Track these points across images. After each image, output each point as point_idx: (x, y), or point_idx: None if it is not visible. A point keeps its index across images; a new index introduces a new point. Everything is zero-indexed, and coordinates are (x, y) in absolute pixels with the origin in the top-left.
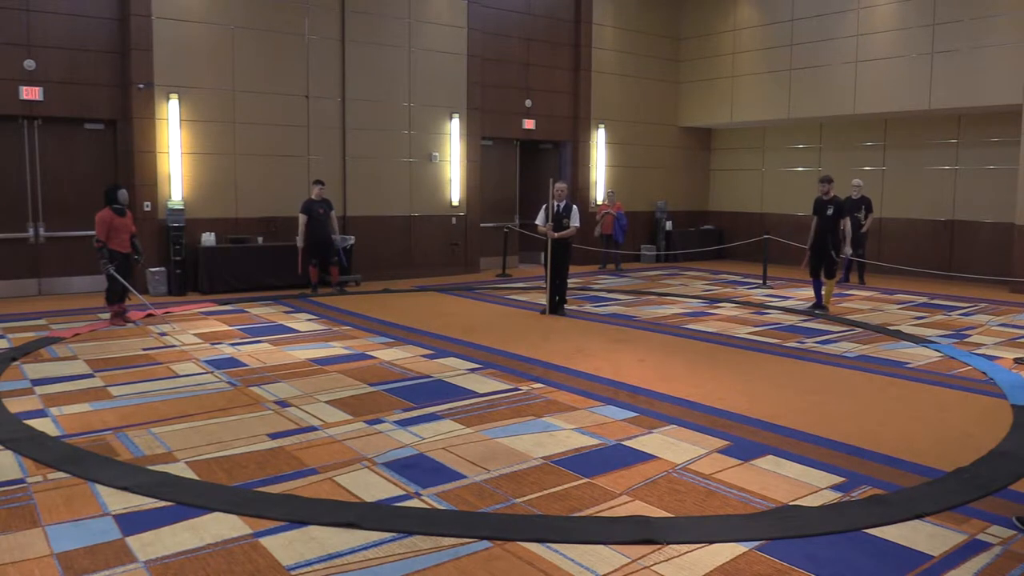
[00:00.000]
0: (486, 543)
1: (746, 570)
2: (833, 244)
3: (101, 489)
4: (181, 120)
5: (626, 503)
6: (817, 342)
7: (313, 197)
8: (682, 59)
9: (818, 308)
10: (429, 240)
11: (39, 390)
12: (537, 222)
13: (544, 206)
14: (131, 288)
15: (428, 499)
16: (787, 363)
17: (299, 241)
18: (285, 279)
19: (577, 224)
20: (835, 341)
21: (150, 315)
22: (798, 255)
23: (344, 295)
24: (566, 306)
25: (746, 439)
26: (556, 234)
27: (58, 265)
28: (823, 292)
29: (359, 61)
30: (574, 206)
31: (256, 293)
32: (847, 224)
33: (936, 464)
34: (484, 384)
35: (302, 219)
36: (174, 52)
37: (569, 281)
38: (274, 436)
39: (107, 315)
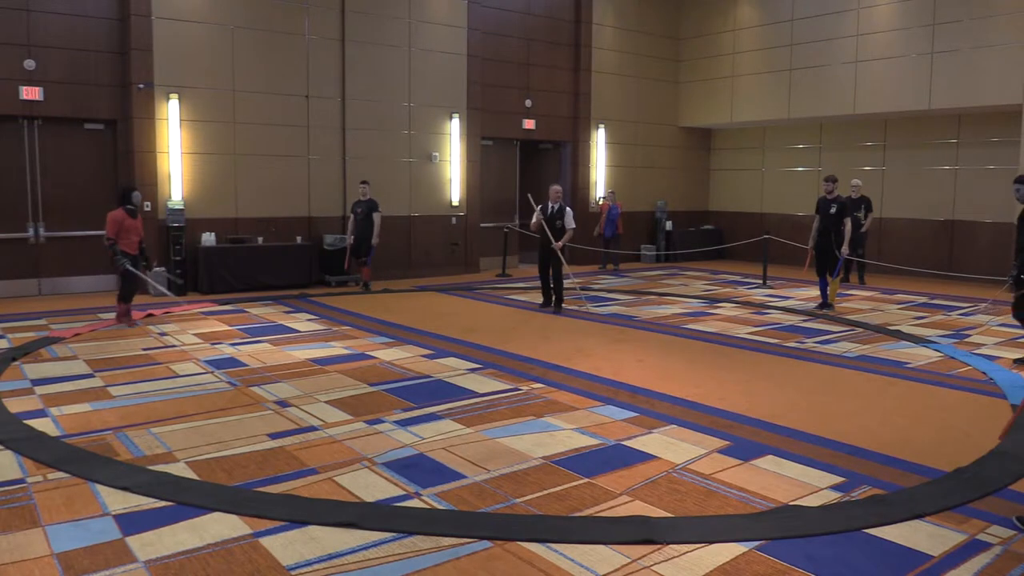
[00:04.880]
0: (486, 543)
1: (746, 570)
2: (836, 243)
3: (101, 489)
4: (181, 120)
5: (626, 503)
6: (817, 342)
7: (360, 197)
8: (682, 59)
9: (825, 307)
10: (429, 240)
11: (39, 390)
12: (532, 222)
13: (539, 207)
14: (151, 281)
15: (428, 499)
16: (787, 363)
17: (347, 238)
18: (285, 279)
19: (573, 226)
20: (835, 341)
21: (150, 315)
22: (798, 255)
23: (365, 294)
24: (564, 305)
25: (746, 439)
26: (559, 243)
27: (58, 265)
28: (828, 291)
29: (359, 61)
30: (568, 208)
31: (256, 293)
32: (848, 224)
33: (936, 464)
34: (484, 384)
35: (350, 218)
36: (174, 52)
37: (570, 282)
38: (274, 436)
39: (113, 313)
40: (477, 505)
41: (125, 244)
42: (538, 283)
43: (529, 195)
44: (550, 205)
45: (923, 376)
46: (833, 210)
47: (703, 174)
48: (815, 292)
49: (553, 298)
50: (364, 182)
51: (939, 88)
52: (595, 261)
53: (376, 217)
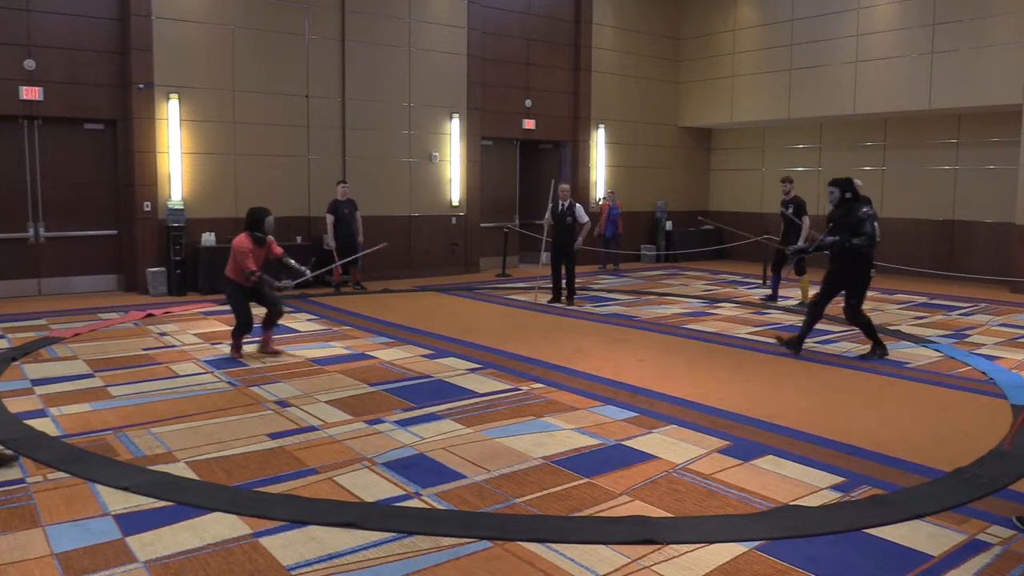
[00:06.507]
0: (486, 543)
1: (746, 570)
2: (794, 241)
3: (101, 489)
4: (181, 120)
5: (626, 503)
6: (817, 342)
7: (338, 197)
8: (682, 59)
9: (771, 300)
10: (429, 240)
11: (39, 390)
12: (545, 219)
13: (551, 206)
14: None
15: (428, 499)
16: (787, 363)
17: (329, 241)
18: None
19: (586, 219)
20: (835, 341)
21: (150, 315)
22: None
23: (356, 294)
24: (576, 296)
25: (746, 439)
26: (581, 238)
27: (58, 265)
28: (799, 288)
29: (359, 61)
30: (578, 204)
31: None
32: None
33: (936, 464)
34: (484, 384)
35: (329, 220)
36: (174, 52)
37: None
38: (274, 436)
39: (114, 314)
40: (477, 505)
41: (238, 274)
42: (538, 282)
43: (553, 180)
44: (560, 203)
45: (923, 376)
46: (790, 210)
47: (703, 174)
48: (815, 292)
49: (565, 292)
50: (344, 181)
51: (939, 88)
52: (595, 261)
53: (359, 216)
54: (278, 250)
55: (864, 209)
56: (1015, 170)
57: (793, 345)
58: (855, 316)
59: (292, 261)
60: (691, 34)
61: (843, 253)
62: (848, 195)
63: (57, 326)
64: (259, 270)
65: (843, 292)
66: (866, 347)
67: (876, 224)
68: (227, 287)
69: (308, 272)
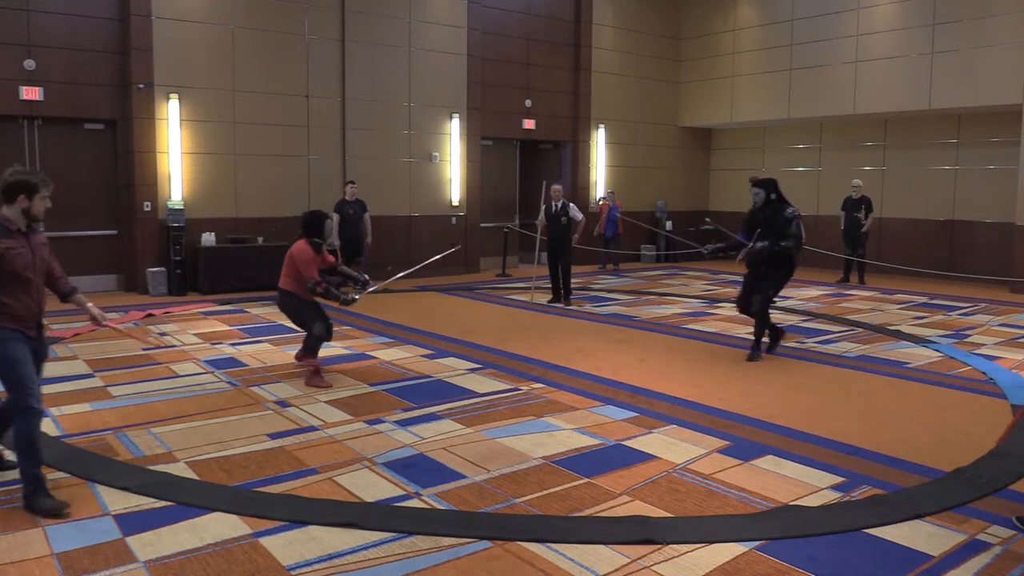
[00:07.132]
0: (486, 543)
1: (746, 570)
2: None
3: (101, 489)
4: (181, 120)
5: (626, 503)
6: (817, 342)
7: (346, 197)
8: (682, 59)
9: None
10: (429, 240)
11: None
12: (538, 220)
13: (544, 207)
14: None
15: (428, 499)
16: (787, 363)
17: (333, 241)
18: None
19: (580, 217)
20: (835, 341)
21: (150, 315)
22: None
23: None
24: (571, 296)
25: (746, 439)
26: (578, 235)
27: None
28: None
29: (359, 61)
30: (571, 204)
31: (256, 293)
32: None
33: (936, 464)
34: (484, 384)
35: (334, 219)
36: (174, 52)
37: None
38: (274, 436)
39: (115, 314)
40: (477, 505)
41: (299, 285)
42: (538, 282)
43: (545, 182)
44: (553, 204)
45: (923, 376)
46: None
47: (703, 174)
48: (815, 292)
49: (562, 292)
50: (352, 182)
51: (939, 88)
52: (595, 261)
53: (368, 217)
54: (331, 258)
55: (789, 210)
56: (1015, 170)
57: (766, 347)
58: (762, 307)
59: (347, 268)
60: (691, 34)
61: (771, 256)
62: (773, 196)
63: (57, 326)
64: (323, 281)
65: (760, 284)
66: (866, 347)
67: (801, 224)
68: (286, 301)
69: (368, 278)
